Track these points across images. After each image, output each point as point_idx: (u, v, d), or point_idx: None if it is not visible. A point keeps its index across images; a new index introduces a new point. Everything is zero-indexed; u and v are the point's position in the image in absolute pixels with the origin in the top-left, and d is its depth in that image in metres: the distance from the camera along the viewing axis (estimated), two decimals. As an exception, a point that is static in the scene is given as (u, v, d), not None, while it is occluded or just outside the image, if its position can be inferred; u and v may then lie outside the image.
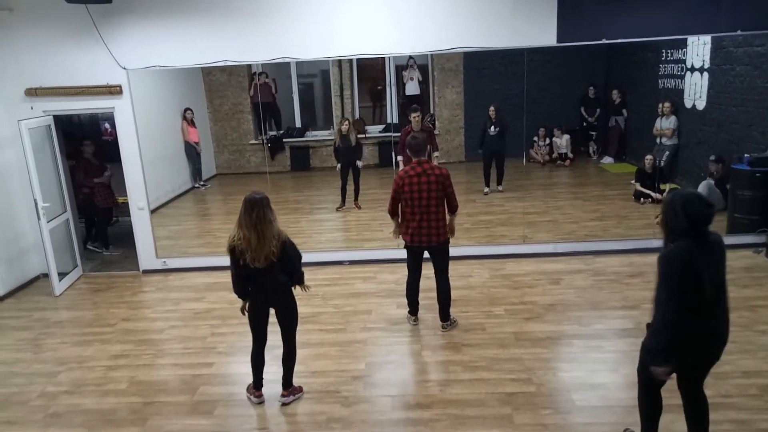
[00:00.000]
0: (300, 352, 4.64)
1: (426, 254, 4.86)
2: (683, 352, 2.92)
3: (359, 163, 8.11)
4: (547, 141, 9.40)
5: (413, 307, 5.07)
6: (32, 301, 6.18)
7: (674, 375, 3.06)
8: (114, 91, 6.29)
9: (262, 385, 4.07)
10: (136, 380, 4.44)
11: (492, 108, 8.06)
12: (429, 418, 3.74)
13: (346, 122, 8.09)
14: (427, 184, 4.53)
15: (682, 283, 2.79)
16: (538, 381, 4.08)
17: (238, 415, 3.91)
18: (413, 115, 7.20)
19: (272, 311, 3.93)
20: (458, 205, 4.73)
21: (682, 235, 2.83)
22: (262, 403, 4.03)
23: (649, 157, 7.39)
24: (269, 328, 3.98)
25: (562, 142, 9.30)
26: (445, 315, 4.94)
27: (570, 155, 9.30)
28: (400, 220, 4.82)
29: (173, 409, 4.02)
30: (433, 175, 4.54)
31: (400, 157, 7.44)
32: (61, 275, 6.39)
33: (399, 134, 8.99)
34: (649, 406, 3.22)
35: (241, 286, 3.85)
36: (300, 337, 4.88)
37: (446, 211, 4.71)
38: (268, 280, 3.77)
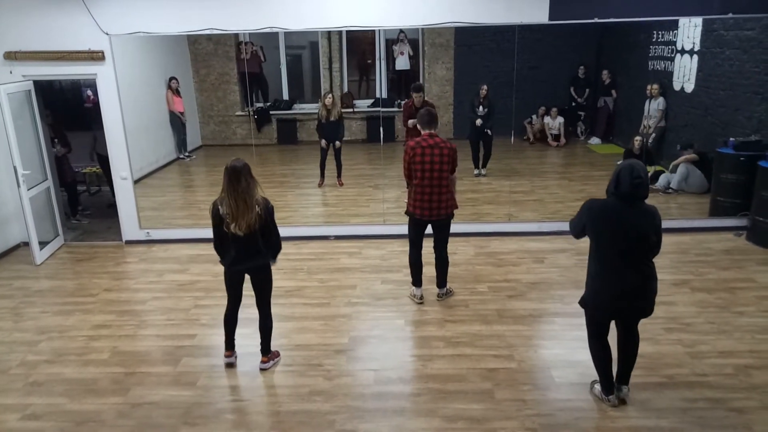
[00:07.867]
0: (284, 325, 4.66)
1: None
2: (598, 299, 3.37)
3: (338, 143, 7.99)
4: (543, 120, 9.35)
5: (418, 278, 4.98)
6: (12, 270, 6.09)
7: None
8: (96, 56, 6.13)
9: (233, 346, 4.10)
10: (118, 350, 4.42)
11: (484, 87, 7.96)
12: (411, 392, 3.78)
13: (330, 95, 7.93)
14: (440, 157, 4.51)
15: (592, 231, 3.26)
16: (519, 357, 4.14)
17: (221, 387, 3.92)
18: (415, 95, 7.03)
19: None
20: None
21: (610, 195, 3.25)
22: (232, 364, 4.07)
23: (638, 138, 7.41)
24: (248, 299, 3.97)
25: (555, 123, 9.26)
26: (442, 281, 4.98)
27: (563, 139, 9.25)
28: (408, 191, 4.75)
29: (155, 380, 4.01)
30: (446, 148, 4.54)
31: (411, 121, 7.15)
32: (42, 244, 6.30)
33: (387, 110, 8.98)
34: (599, 355, 3.53)
35: (223, 248, 3.87)
36: (284, 310, 4.92)
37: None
38: (246, 246, 3.77)
